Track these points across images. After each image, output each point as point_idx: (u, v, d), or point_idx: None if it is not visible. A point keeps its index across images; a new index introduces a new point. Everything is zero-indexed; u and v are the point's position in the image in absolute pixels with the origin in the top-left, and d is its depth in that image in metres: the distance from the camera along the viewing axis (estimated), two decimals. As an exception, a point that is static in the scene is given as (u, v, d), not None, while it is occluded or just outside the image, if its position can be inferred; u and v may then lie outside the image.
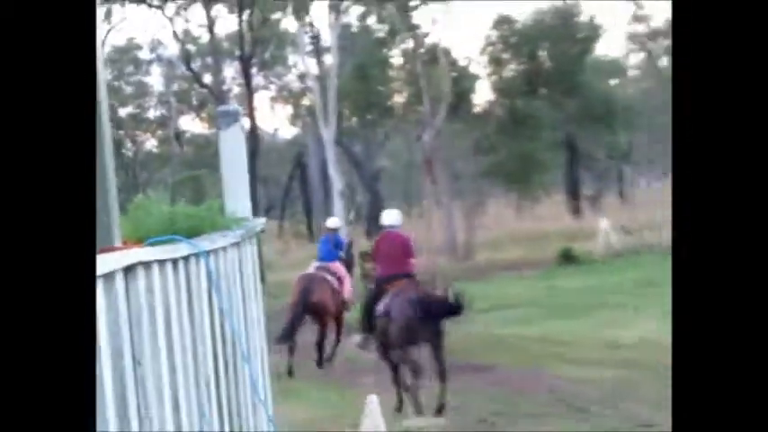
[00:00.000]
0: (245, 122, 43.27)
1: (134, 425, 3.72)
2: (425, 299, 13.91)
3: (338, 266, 19.96)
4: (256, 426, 5.79)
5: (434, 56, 45.78)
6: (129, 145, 65.28)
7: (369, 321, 14.86)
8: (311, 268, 20.33)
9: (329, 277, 19.33)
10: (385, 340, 14.23)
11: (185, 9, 54.10)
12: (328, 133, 42.29)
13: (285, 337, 17.82)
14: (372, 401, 7.20)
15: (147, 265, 3.93)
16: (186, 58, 56.06)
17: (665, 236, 47.36)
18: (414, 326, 13.30)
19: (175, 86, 63.43)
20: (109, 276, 3.50)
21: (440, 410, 13.08)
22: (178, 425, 4.24)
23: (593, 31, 56.04)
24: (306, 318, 18.64)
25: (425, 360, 14.01)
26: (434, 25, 46.47)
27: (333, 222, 22.58)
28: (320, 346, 18.69)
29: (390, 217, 15.89)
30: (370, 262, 18.01)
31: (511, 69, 53.32)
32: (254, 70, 55.98)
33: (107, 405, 3.42)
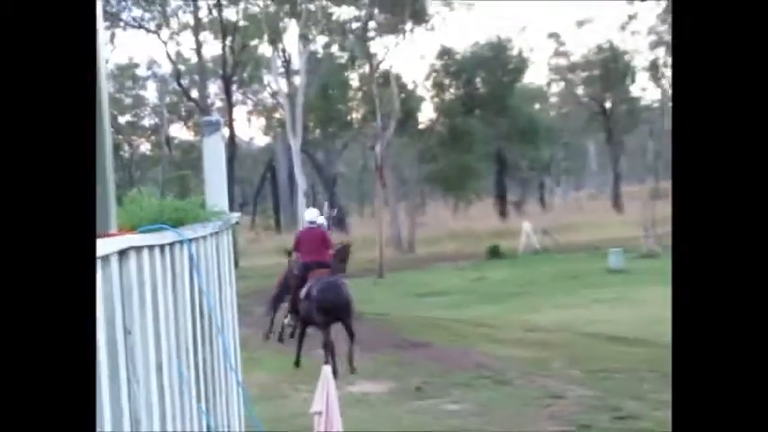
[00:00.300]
0: (226, 131, 45.12)
1: (123, 385, 3.66)
2: (337, 287, 14.14)
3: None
4: (227, 388, 5.71)
5: (387, 80, 46.92)
6: (126, 148, 66.21)
7: (294, 304, 15.33)
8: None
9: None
10: (307, 319, 14.79)
11: (177, 34, 56.11)
12: (295, 143, 42.75)
13: (269, 309, 18.47)
14: (326, 371, 7.19)
15: (138, 249, 3.89)
16: (177, 75, 56.97)
17: (577, 237, 48.62)
18: (327, 308, 13.70)
19: (167, 99, 64.42)
20: (105, 258, 3.47)
21: (351, 363, 13.79)
22: (161, 386, 4.22)
23: (521, 63, 59.10)
24: (285, 296, 18.73)
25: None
26: (387, 54, 47.62)
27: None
28: (272, 321, 19.41)
29: (311, 214, 16.31)
30: (293, 253, 17.99)
31: (451, 93, 55.80)
32: (234, 87, 57.02)
33: (101, 368, 3.35)
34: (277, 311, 18.89)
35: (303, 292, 14.54)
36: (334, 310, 13.97)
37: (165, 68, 61.08)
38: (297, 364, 14.84)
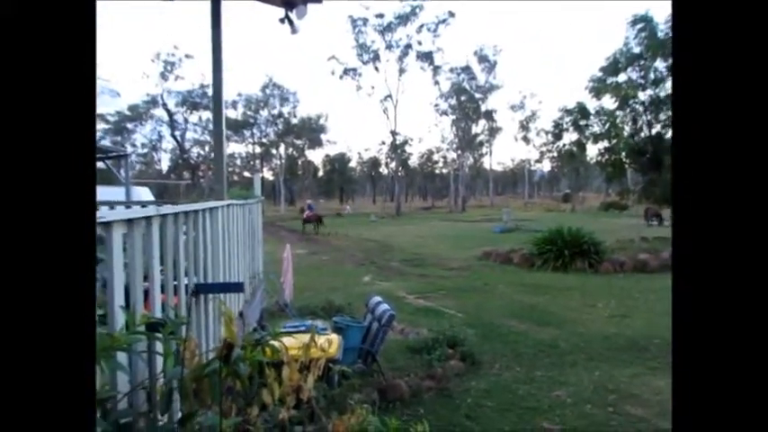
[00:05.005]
0: (260, 174, 74.15)
1: (234, 250, 5.66)
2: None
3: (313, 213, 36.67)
4: (257, 253, 8.28)
5: (310, 163, 78.06)
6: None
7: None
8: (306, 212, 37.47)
9: (310, 213, 36.91)
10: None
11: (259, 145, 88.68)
12: (281, 178, 70.71)
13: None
14: (288, 246, 11.14)
15: (232, 205, 5.88)
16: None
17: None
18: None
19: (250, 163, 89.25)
20: (223, 207, 5.26)
21: None
22: (241, 251, 6.47)
23: (348, 165, 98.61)
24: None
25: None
26: (308, 155, 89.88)
27: (309, 203, 43.98)
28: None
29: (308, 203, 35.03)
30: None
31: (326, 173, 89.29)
32: (263, 162, 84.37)
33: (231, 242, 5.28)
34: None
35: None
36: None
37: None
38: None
